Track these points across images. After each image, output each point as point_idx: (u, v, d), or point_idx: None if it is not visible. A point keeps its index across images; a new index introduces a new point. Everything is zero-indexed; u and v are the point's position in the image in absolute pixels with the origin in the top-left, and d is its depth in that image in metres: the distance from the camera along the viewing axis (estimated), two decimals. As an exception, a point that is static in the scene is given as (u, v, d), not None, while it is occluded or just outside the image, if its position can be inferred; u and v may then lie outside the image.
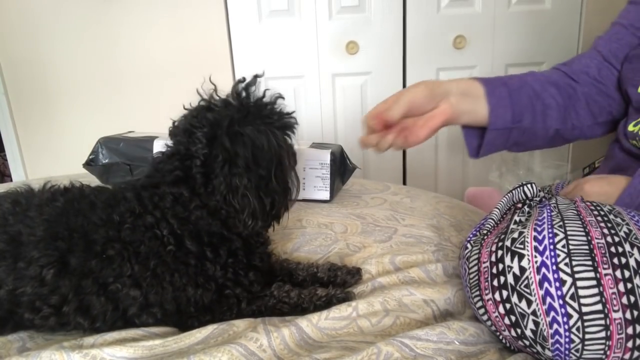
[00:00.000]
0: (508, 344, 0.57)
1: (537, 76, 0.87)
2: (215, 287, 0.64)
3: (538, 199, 0.63)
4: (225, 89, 0.67)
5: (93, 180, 1.10)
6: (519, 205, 0.63)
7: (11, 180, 2.00)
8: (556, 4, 1.88)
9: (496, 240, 0.56)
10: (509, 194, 0.65)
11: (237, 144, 0.62)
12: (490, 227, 0.63)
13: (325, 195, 0.98)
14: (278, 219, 0.68)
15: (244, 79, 0.67)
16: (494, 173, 1.69)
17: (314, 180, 0.98)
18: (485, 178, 1.93)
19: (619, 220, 0.53)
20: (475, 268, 0.58)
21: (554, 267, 0.50)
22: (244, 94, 0.66)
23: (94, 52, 1.85)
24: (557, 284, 0.49)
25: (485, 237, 0.61)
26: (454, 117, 0.78)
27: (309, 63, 1.90)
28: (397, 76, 1.93)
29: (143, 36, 1.84)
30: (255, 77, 0.67)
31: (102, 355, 0.55)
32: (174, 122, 0.67)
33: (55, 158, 1.94)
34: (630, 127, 0.81)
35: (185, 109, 0.67)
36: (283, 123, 0.67)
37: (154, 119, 1.90)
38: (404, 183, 2.05)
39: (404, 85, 1.95)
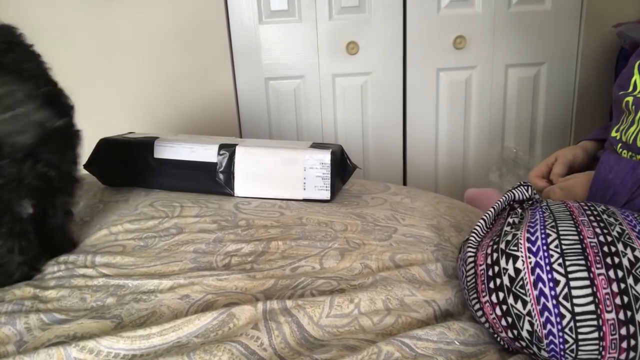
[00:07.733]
0: (506, 346, 0.57)
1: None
2: None
3: (531, 202, 0.63)
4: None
5: (93, 181, 1.10)
6: (515, 205, 0.64)
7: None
8: (556, 5, 1.88)
9: (491, 243, 0.57)
10: (504, 196, 0.66)
11: None
12: (479, 229, 0.64)
13: (326, 195, 0.98)
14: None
15: None
16: (494, 173, 1.69)
17: (314, 180, 0.98)
18: (485, 178, 1.93)
19: (612, 220, 0.53)
20: (472, 271, 0.58)
21: (548, 268, 0.50)
22: None
23: (93, 52, 1.85)
24: (551, 284, 0.49)
25: (481, 240, 0.62)
26: None
27: (309, 63, 1.90)
28: (398, 76, 1.93)
29: (143, 36, 1.84)
30: None
31: (99, 348, 0.55)
32: None
33: (55, 158, 1.95)
34: (613, 133, 0.81)
35: None
36: None
37: (154, 120, 1.90)
38: (404, 183, 2.05)
39: (404, 85, 1.95)
